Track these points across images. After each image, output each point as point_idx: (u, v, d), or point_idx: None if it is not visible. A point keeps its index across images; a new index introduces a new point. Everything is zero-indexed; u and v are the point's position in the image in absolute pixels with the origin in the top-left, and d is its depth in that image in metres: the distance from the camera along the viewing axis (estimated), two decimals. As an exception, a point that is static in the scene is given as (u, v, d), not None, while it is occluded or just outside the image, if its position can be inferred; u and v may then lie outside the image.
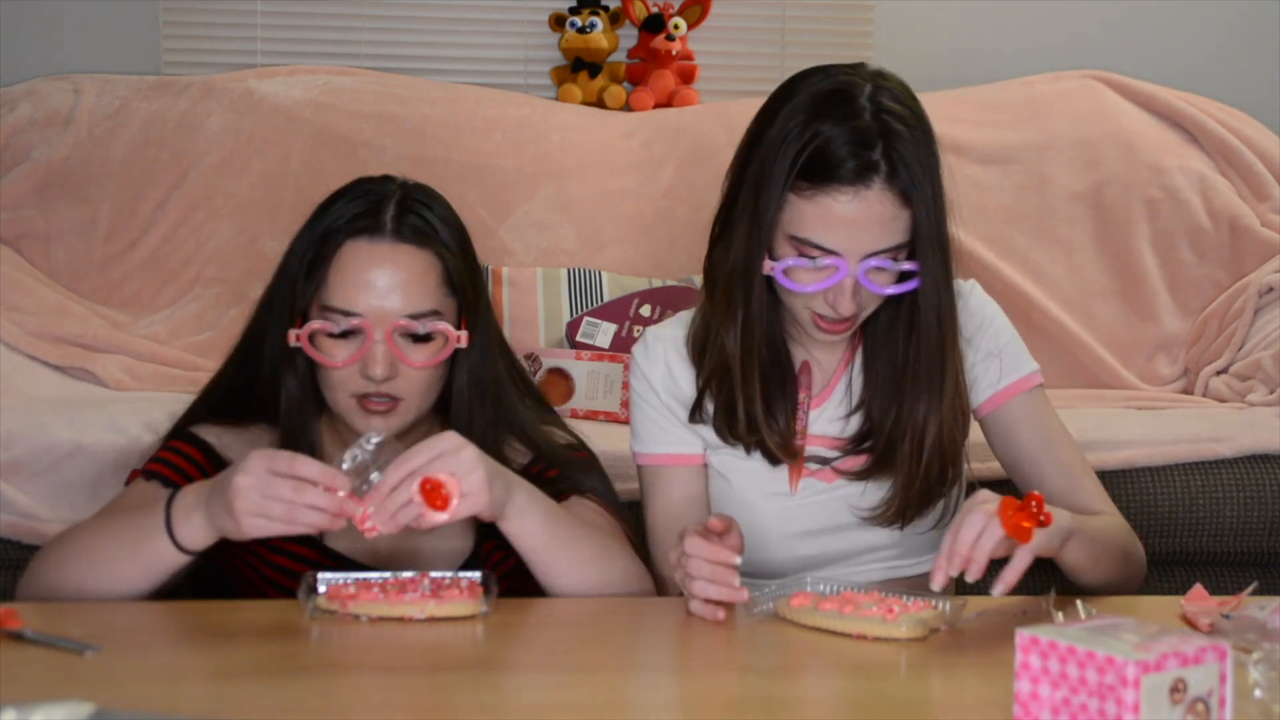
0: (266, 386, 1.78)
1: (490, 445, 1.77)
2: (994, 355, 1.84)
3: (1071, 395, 3.04)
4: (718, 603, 1.56)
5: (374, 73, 3.39)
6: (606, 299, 3.00)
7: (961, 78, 3.50)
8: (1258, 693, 1.27)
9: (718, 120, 3.25)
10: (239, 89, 3.25)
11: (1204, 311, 3.25)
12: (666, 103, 3.46)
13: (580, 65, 3.46)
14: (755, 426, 1.78)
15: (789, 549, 1.82)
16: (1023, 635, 1.17)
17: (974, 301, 1.86)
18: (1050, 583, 1.59)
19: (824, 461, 1.82)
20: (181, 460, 1.76)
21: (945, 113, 3.23)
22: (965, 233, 3.14)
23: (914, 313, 1.75)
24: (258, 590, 1.75)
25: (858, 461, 1.81)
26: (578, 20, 3.43)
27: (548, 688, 1.39)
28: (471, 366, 1.77)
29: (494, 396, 1.80)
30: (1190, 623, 1.56)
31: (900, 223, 1.68)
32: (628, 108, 3.45)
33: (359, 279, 1.70)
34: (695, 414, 1.82)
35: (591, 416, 2.76)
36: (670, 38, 3.44)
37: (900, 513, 1.79)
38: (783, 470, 1.82)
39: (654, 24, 3.44)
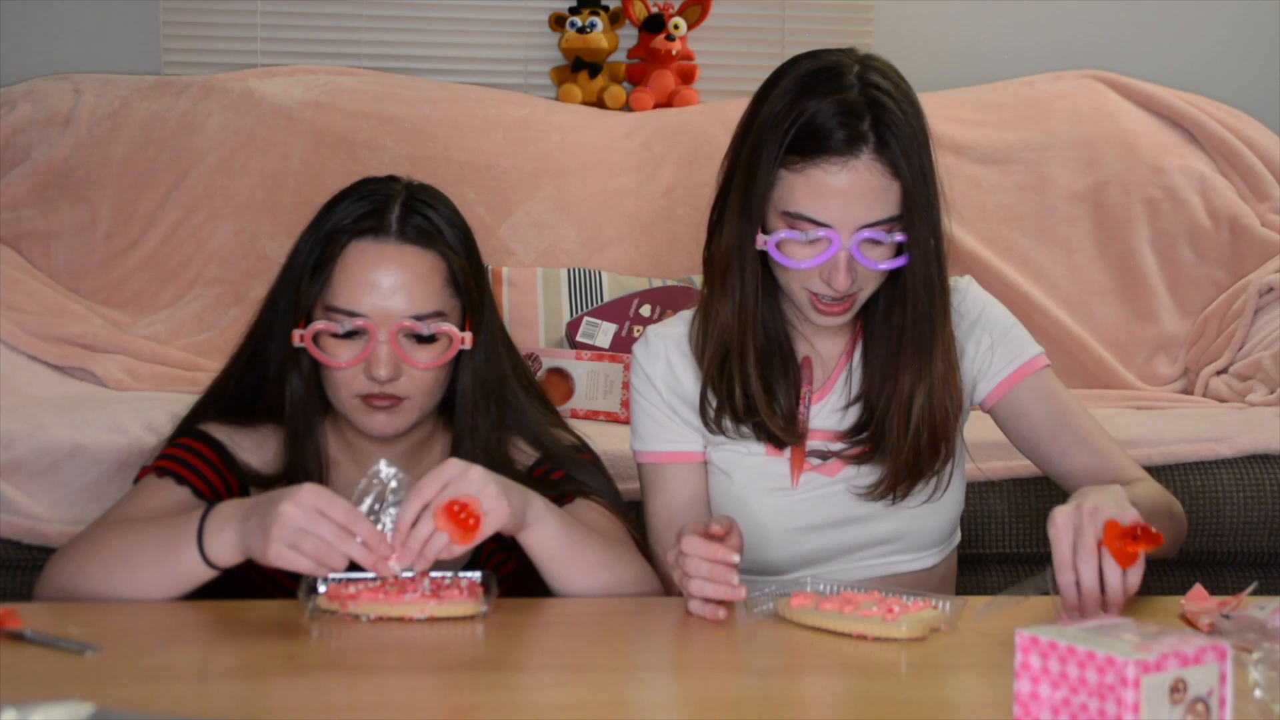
0: (272, 386, 1.78)
1: (495, 446, 1.77)
2: (996, 344, 1.84)
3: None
4: (717, 602, 1.56)
5: (374, 73, 3.39)
6: (606, 299, 3.00)
7: (961, 78, 3.51)
8: (1258, 693, 1.27)
9: (718, 120, 3.25)
10: (239, 89, 3.25)
11: (1204, 311, 3.25)
12: (666, 103, 3.46)
13: (580, 65, 3.46)
14: (754, 407, 1.78)
15: (790, 545, 1.82)
16: (1023, 635, 1.17)
17: (970, 295, 1.87)
18: (1047, 562, 1.59)
19: (824, 456, 1.82)
20: (194, 458, 1.76)
21: (945, 113, 3.25)
22: (965, 233, 3.19)
23: (905, 286, 1.76)
24: (258, 590, 1.75)
25: (857, 451, 1.81)
26: (578, 20, 3.43)
27: (548, 688, 1.39)
28: (476, 367, 1.78)
29: (499, 397, 1.80)
30: (1190, 623, 1.56)
31: (890, 195, 1.69)
32: (628, 108, 3.46)
33: (363, 279, 1.70)
34: (705, 415, 1.82)
35: (591, 416, 2.76)
36: (670, 38, 3.44)
37: (891, 488, 1.79)
38: (784, 465, 1.82)
39: (654, 24, 3.44)
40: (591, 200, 3.23)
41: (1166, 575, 2.52)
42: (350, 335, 1.71)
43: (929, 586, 1.83)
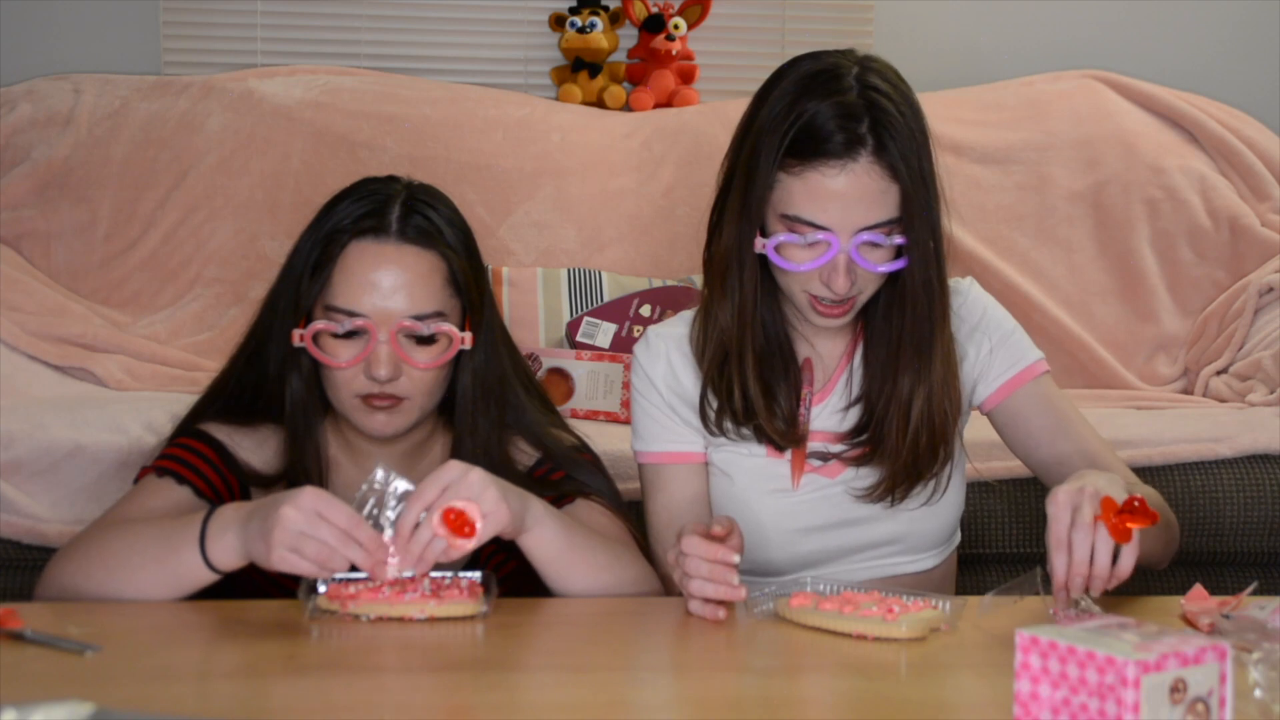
0: (272, 386, 1.78)
1: (495, 446, 1.77)
2: (997, 348, 1.84)
3: (1071, 395, 3.03)
4: (717, 602, 1.56)
5: (374, 73, 3.39)
6: (606, 299, 3.00)
7: (961, 78, 3.51)
8: (1258, 693, 1.27)
9: (718, 120, 3.25)
10: (239, 89, 3.25)
11: (1204, 311, 3.25)
12: (666, 103, 3.46)
13: (580, 65, 3.46)
14: (754, 410, 1.78)
15: (790, 546, 1.82)
16: (1023, 635, 1.17)
17: (971, 298, 1.86)
18: (1037, 563, 1.59)
19: (825, 457, 1.82)
20: (193, 457, 1.76)
21: (945, 113, 3.24)
22: (965, 233, 3.20)
23: (904, 288, 1.75)
24: (259, 590, 1.74)
25: (858, 453, 1.81)
26: (578, 20, 3.43)
27: (548, 688, 1.39)
28: (476, 367, 1.77)
29: (499, 397, 1.80)
30: (1190, 623, 1.56)
31: (889, 198, 1.69)
32: (628, 108, 3.46)
33: (363, 279, 1.70)
34: (705, 417, 1.82)
35: (591, 416, 2.76)
36: (670, 38, 3.44)
37: (890, 490, 1.79)
38: (784, 466, 1.82)
39: (654, 24, 3.44)
40: (591, 200, 3.23)
41: (1166, 575, 2.52)
42: (350, 335, 1.71)
43: (929, 587, 1.83)
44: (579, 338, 2.90)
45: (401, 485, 1.55)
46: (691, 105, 3.45)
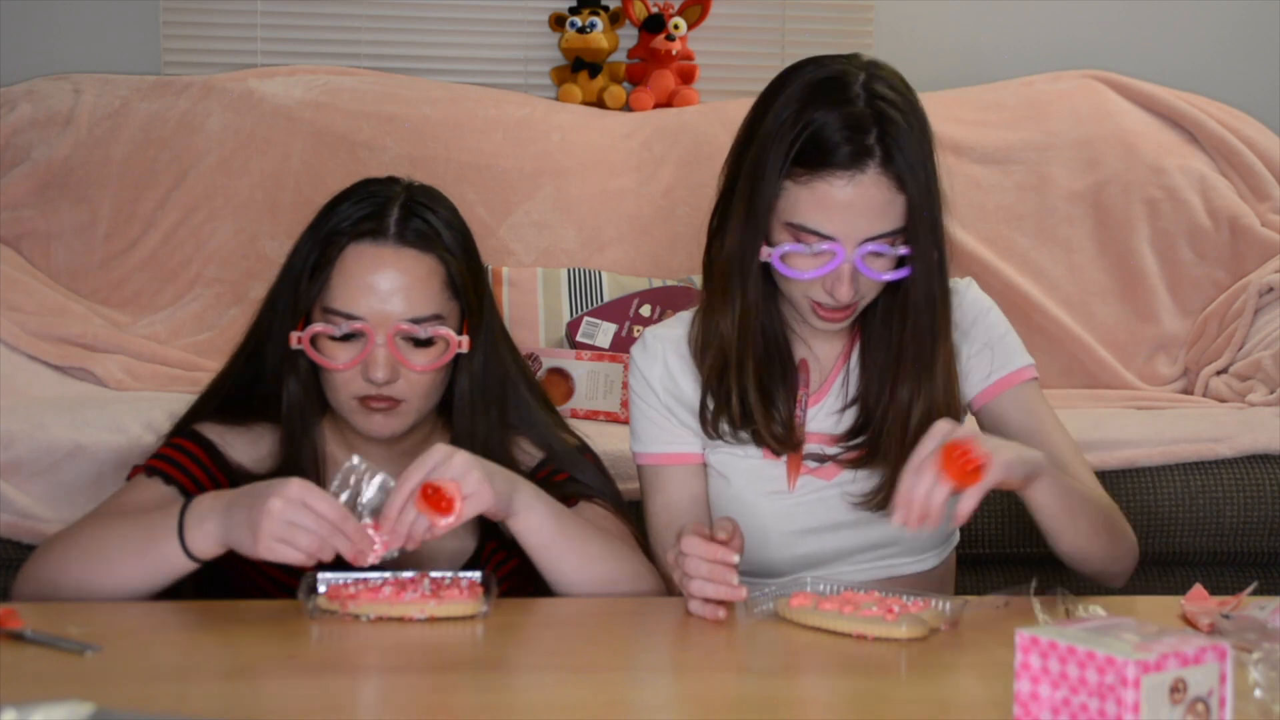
0: (269, 386, 1.78)
1: (495, 449, 1.77)
2: (987, 349, 1.84)
3: (1071, 395, 3.05)
4: (717, 601, 1.56)
5: (374, 73, 3.39)
6: (606, 299, 3.00)
7: (961, 78, 3.50)
8: (1258, 693, 1.27)
9: (718, 120, 3.25)
10: (239, 89, 3.25)
11: (1204, 311, 3.25)
12: (666, 103, 3.46)
13: (580, 65, 3.46)
14: (751, 416, 1.78)
15: (788, 547, 1.82)
16: (1023, 635, 1.17)
17: (969, 297, 1.86)
18: (1032, 574, 1.59)
19: (821, 459, 1.82)
20: (183, 458, 1.76)
21: (945, 113, 3.24)
22: (965, 233, 3.19)
23: (907, 298, 1.76)
24: (258, 589, 1.75)
25: (854, 455, 1.81)
26: (578, 20, 3.43)
27: (548, 688, 1.39)
28: (474, 370, 1.78)
29: (499, 399, 1.80)
30: (1190, 623, 1.56)
31: (895, 208, 1.69)
32: (628, 108, 3.46)
33: (361, 282, 1.70)
34: (704, 420, 1.82)
35: (591, 416, 2.76)
36: (670, 38, 3.44)
37: (889, 497, 1.78)
38: (780, 468, 1.82)
39: (654, 24, 3.44)
40: (591, 200, 3.23)
41: (1167, 575, 2.53)
42: (348, 338, 1.71)
43: (928, 588, 1.83)
44: (579, 338, 2.90)
45: (374, 471, 1.57)
46: (691, 105, 3.44)
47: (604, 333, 2.91)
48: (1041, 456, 1.62)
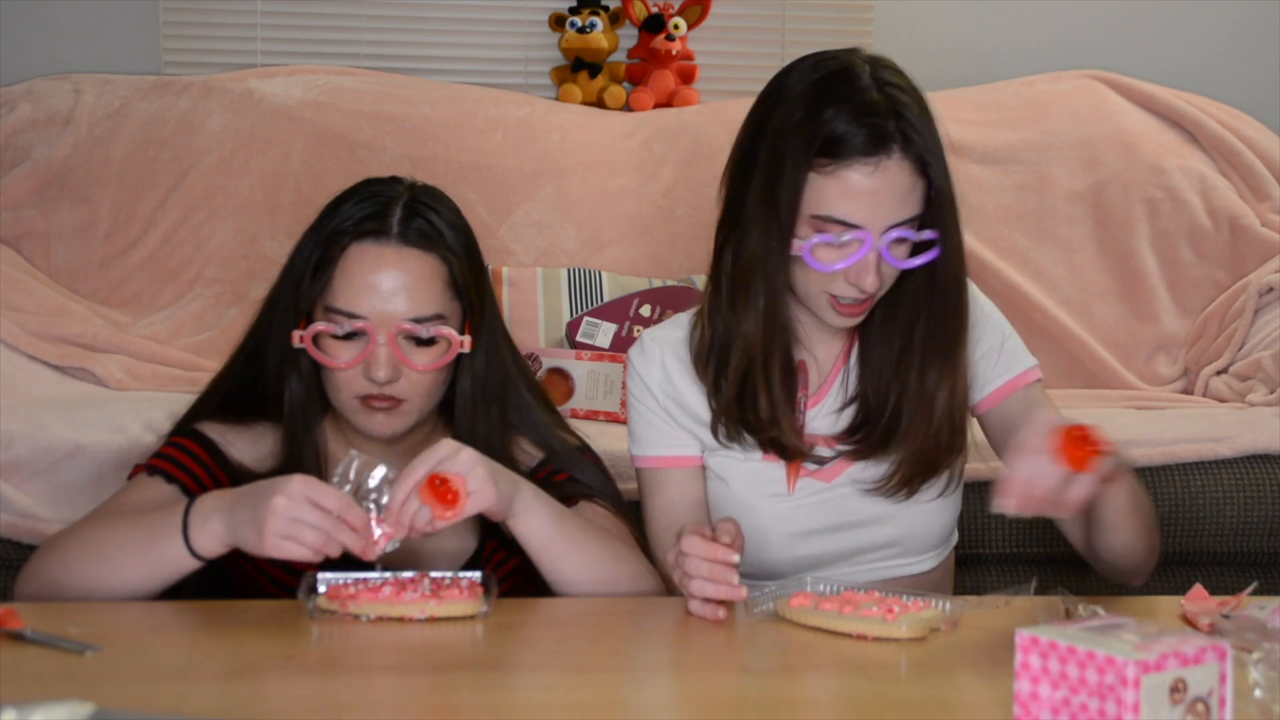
0: (271, 385, 1.78)
1: (496, 448, 1.77)
2: (992, 352, 1.84)
3: (1071, 395, 3.04)
4: (718, 601, 1.56)
5: (374, 73, 3.39)
6: (606, 299, 3.00)
7: (961, 78, 3.50)
8: (1258, 693, 1.27)
9: (718, 120, 3.25)
10: (239, 89, 3.25)
11: (1204, 311, 3.25)
12: (666, 103, 3.46)
13: (580, 65, 3.46)
14: (778, 419, 1.78)
15: (788, 549, 1.82)
16: (1023, 635, 1.17)
17: (972, 300, 1.86)
18: (1032, 573, 1.59)
19: (820, 460, 1.82)
20: (185, 457, 1.76)
21: (945, 113, 3.19)
22: (965, 233, 3.18)
23: (932, 283, 1.75)
24: (259, 589, 1.75)
25: (859, 449, 1.80)
26: (578, 20, 3.43)
27: (548, 688, 1.39)
28: (475, 370, 1.78)
29: (499, 399, 1.80)
30: (1190, 623, 1.56)
31: (917, 193, 1.70)
32: (628, 108, 3.45)
33: (363, 282, 1.70)
34: (720, 426, 1.81)
35: (591, 416, 2.76)
36: (670, 38, 3.44)
37: (906, 481, 1.79)
38: (780, 470, 1.82)
39: (654, 24, 3.44)
40: (591, 200, 3.23)
41: (1166, 575, 2.52)
42: (350, 337, 1.71)
43: (926, 588, 1.83)
44: (579, 338, 2.90)
45: (375, 465, 1.57)
46: (691, 105, 3.44)
47: (604, 333, 2.91)
48: (1123, 452, 1.59)
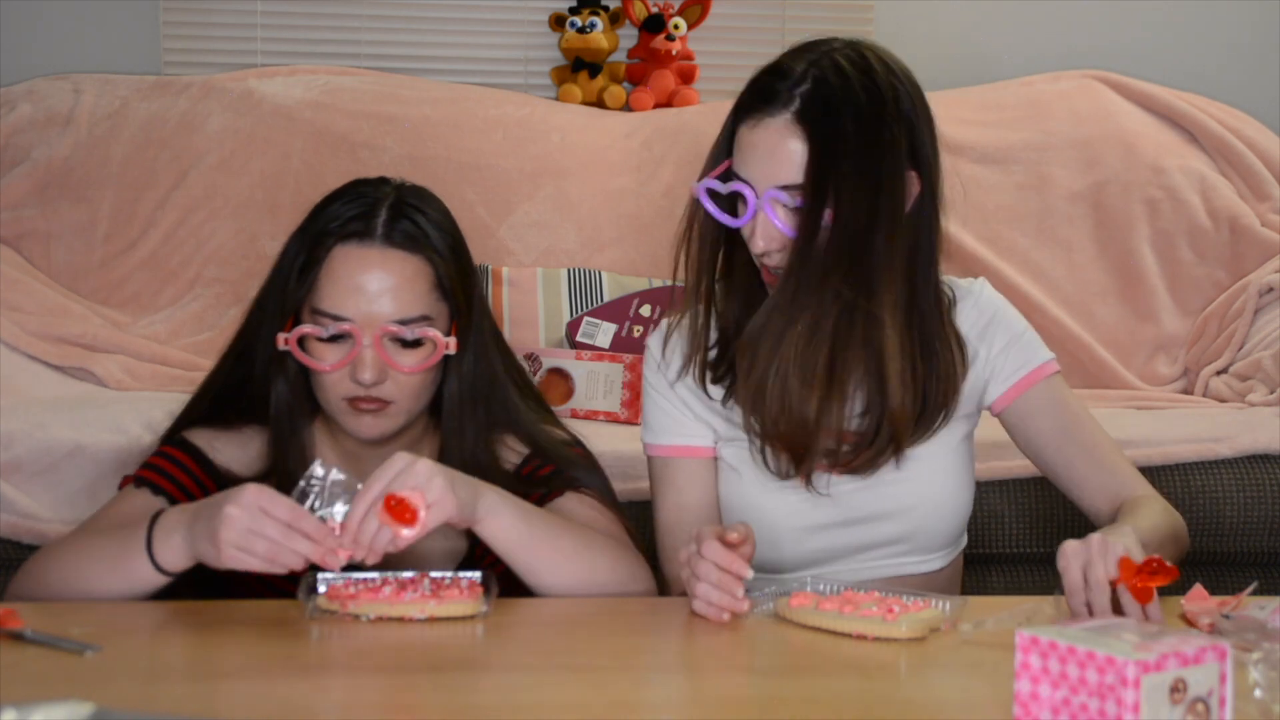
0: (258, 388, 1.78)
1: (483, 449, 1.77)
2: (1009, 348, 1.83)
3: (1072, 395, 3.04)
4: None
5: (374, 73, 3.40)
6: (606, 299, 3.00)
7: (961, 78, 3.51)
8: (1258, 693, 1.27)
9: (718, 120, 3.18)
10: (239, 89, 3.25)
11: (1204, 311, 3.25)
12: (666, 103, 3.46)
13: (580, 65, 3.46)
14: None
15: (799, 543, 1.81)
16: (1023, 635, 1.17)
17: (984, 298, 1.85)
18: (1033, 573, 1.59)
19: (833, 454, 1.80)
20: (172, 466, 1.76)
21: (945, 113, 3.20)
22: (965, 233, 3.20)
23: (821, 260, 1.68)
24: (258, 590, 1.75)
25: (866, 454, 1.78)
26: (578, 20, 3.43)
27: (548, 688, 1.39)
28: (463, 372, 1.77)
29: (486, 399, 1.80)
30: (1190, 623, 1.56)
31: (801, 162, 1.68)
32: (628, 108, 3.46)
33: (349, 283, 1.70)
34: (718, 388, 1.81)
35: (591, 416, 2.76)
36: (670, 38, 3.44)
37: (891, 440, 1.74)
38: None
39: (654, 24, 3.44)
40: (591, 200, 3.23)
41: (1167, 575, 2.52)
42: (335, 339, 1.71)
43: (935, 589, 1.82)
44: (579, 338, 2.90)
45: (337, 476, 1.56)
46: (691, 105, 3.45)
47: (604, 333, 2.91)
48: (1134, 534, 1.59)
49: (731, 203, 1.77)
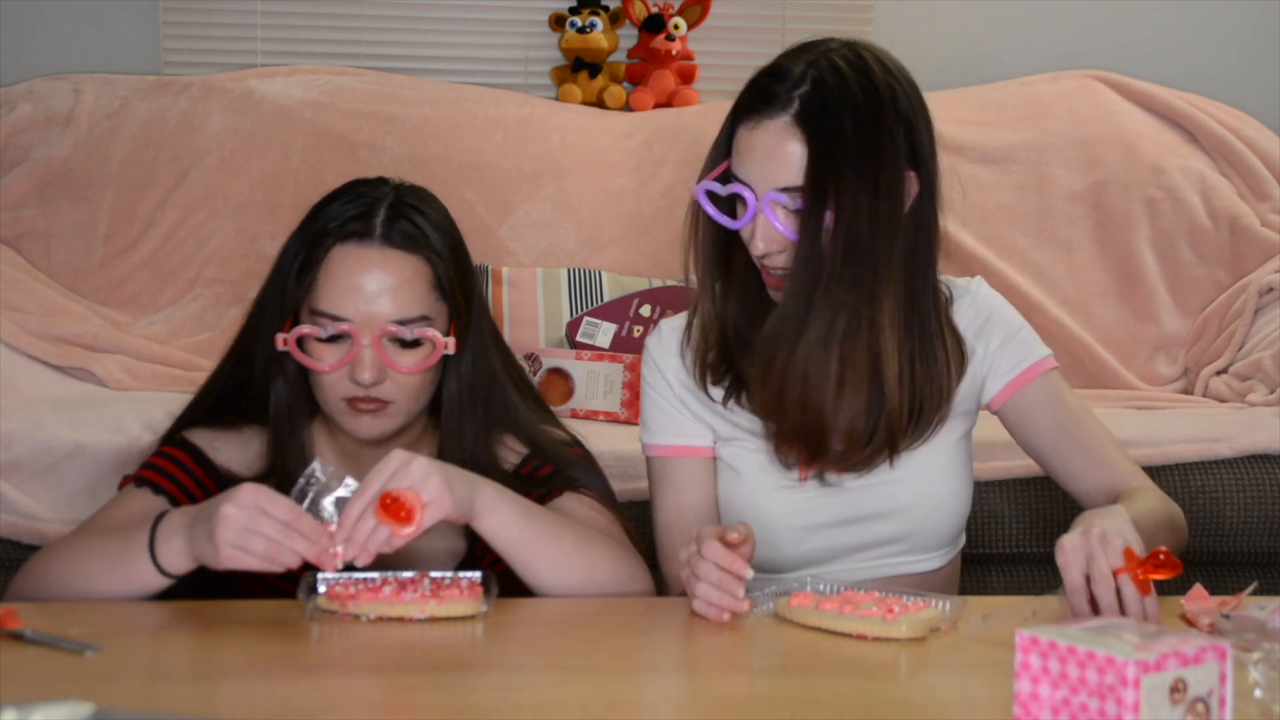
0: (258, 388, 1.78)
1: (482, 449, 1.77)
2: (1006, 345, 1.83)
3: (1072, 395, 3.05)
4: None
5: (374, 73, 3.40)
6: (606, 299, 3.00)
7: (961, 78, 3.51)
8: (1258, 693, 1.27)
9: (718, 120, 3.19)
10: (239, 89, 3.25)
11: (1204, 311, 3.25)
12: (666, 103, 3.46)
13: (580, 65, 3.46)
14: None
15: (798, 542, 1.82)
16: (1023, 635, 1.17)
17: (981, 296, 1.86)
18: (1033, 573, 1.59)
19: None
20: (172, 466, 1.76)
21: (945, 113, 3.21)
22: (965, 232, 3.20)
23: (824, 264, 1.68)
24: (258, 590, 1.75)
25: (862, 453, 1.79)
26: (578, 20, 3.43)
27: (548, 688, 1.39)
28: (462, 372, 1.77)
29: (485, 399, 1.79)
30: (1190, 623, 1.56)
31: (801, 164, 1.68)
32: (628, 108, 3.46)
33: (347, 284, 1.70)
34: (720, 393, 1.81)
35: (591, 416, 2.76)
36: (670, 38, 3.44)
37: (888, 440, 1.75)
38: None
39: (654, 24, 3.44)
40: (591, 200, 3.23)
41: (1166, 575, 2.52)
42: (334, 339, 1.71)
43: (933, 588, 1.82)
44: (579, 338, 2.90)
45: (336, 476, 1.56)
46: (691, 105, 3.45)
47: (604, 333, 2.91)
48: (1126, 513, 1.59)
49: (730, 204, 1.77)
